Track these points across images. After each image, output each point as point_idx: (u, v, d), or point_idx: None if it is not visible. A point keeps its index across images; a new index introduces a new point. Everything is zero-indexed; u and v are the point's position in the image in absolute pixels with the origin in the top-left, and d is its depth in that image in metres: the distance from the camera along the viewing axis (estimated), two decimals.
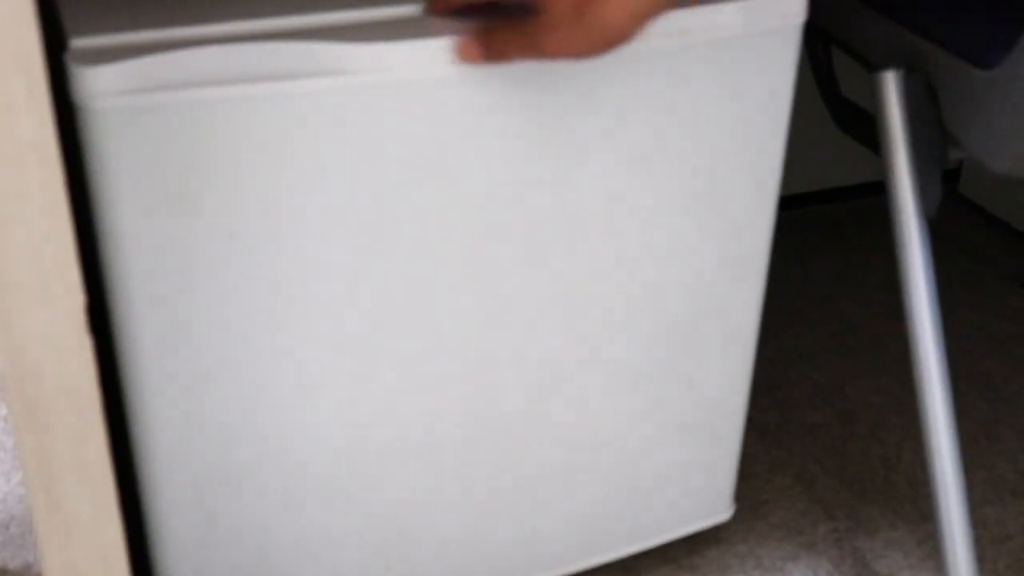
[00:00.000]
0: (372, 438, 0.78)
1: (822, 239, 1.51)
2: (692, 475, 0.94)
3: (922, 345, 0.88)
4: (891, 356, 1.28)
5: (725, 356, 0.89)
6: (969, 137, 0.87)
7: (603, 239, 0.78)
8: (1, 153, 0.45)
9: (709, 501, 0.97)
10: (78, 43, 0.62)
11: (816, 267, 1.45)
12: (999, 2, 0.87)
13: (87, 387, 0.51)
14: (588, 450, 0.87)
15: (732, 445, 0.95)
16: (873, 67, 0.89)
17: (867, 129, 0.93)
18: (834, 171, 1.55)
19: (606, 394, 0.85)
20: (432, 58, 0.66)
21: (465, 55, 0.66)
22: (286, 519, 0.78)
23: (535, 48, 0.62)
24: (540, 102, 0.71)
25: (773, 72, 0.78)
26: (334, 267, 0.70)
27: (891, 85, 0.88)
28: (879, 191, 0.95)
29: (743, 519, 1.04)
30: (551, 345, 0.80)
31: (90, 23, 0.64)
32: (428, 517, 0.83)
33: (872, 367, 1.26)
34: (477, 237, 0.74)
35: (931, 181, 0.88)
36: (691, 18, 0.72)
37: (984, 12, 0.87)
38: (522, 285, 0.77)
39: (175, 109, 0.62)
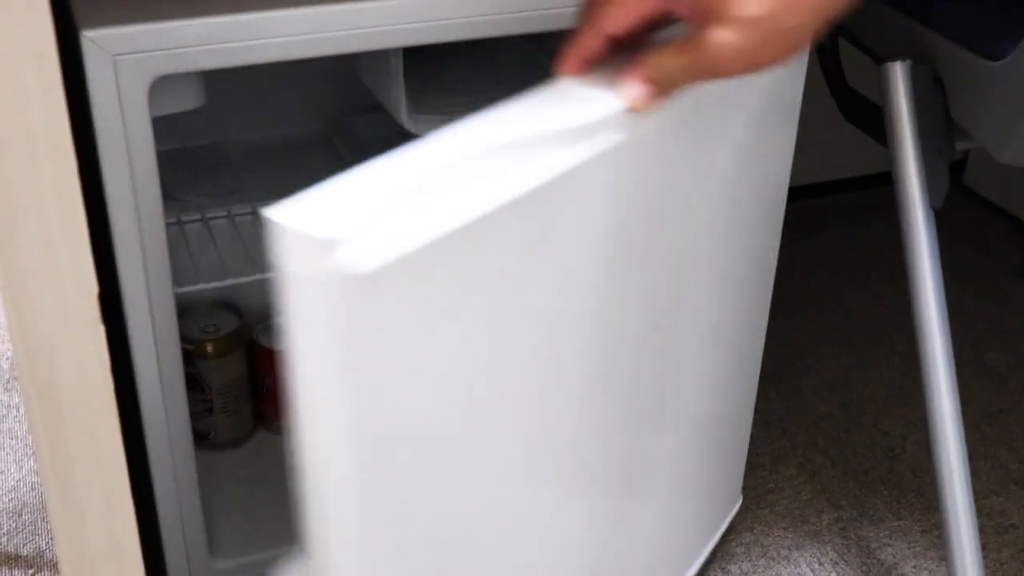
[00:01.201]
0: None
1: (828, 230, 1.51)
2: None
3: (928, 336, 0.88)
4: (896, 347, 1.28)
5: (735, 349, 0.89)
6: (977, 128, 0.87)
7: None
8: (15, 142, 0.45)
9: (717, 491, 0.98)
10: (90, 34, 0.62)
11: (822, 258, 1.45)
12: None
13: (100, 376, 0.51)
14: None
15: (741, 436, 0.95)
16: (881, 59, 0.89)
17: (874, 120, 0.93)
18: (841, 162, 1.55)
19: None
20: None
21: (639, 102, 0.54)
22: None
23: (707, 67, 0.52)
24: None
25: None
26: None
27: (899, 76, 0.87)
28: (886, 182, 0.95)
29: (749, 508, 1.04)
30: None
31: (101, 14, 0.64)
32: None
33: (877, 358, 1.26)
34: None
35: (938, 173, 0.88)
36: None
37: (992, 4, 0.87)
38: None
39: None
